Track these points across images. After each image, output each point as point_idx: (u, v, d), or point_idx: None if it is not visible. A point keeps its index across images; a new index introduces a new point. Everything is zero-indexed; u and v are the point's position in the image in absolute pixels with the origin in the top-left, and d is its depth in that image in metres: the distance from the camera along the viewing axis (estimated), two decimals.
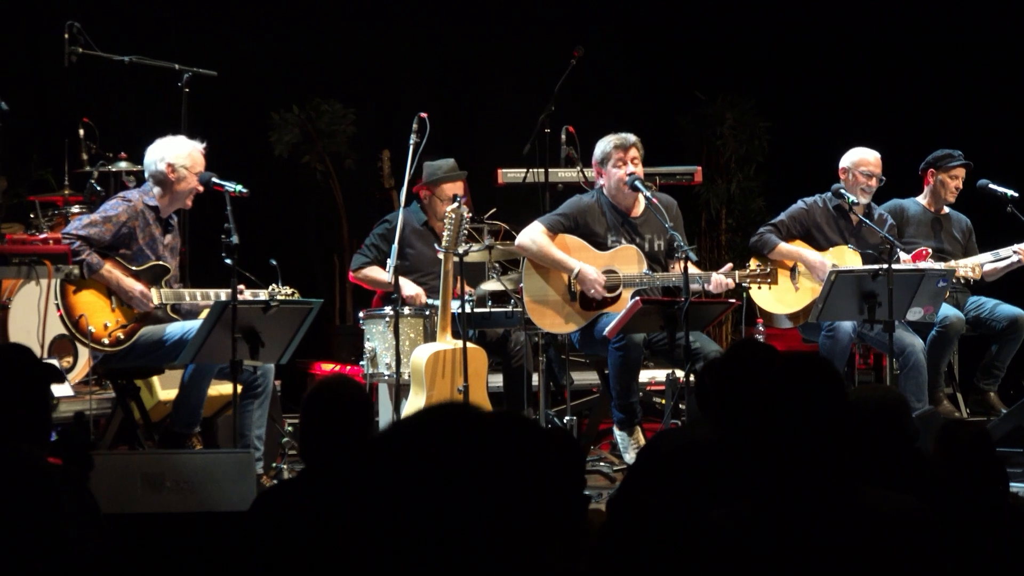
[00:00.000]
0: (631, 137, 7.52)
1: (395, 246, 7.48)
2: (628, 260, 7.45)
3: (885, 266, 7.15)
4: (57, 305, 6.66)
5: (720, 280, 7.27)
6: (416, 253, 7.93)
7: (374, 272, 7.92)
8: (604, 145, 7.55)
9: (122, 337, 6.78)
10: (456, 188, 7.91)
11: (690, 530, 3.07)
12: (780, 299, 7.95)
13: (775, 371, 3.16)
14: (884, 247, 7.48)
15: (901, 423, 4.03)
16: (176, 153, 6.97)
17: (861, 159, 8.07)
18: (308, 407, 4.01)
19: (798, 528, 2.97)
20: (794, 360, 3.17)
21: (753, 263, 7.64)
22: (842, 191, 7.87)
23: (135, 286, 6.79)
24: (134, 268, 6.85)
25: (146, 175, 7.06)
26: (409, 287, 7.74)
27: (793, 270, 7.93)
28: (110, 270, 6.77)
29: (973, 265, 8.01)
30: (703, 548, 3.00)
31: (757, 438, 3.88)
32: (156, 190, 6.99)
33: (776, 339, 8.91)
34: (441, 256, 7.24)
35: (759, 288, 7.61)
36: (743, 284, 7.42)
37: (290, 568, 3.70)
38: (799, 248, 8.00)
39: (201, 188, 6.99)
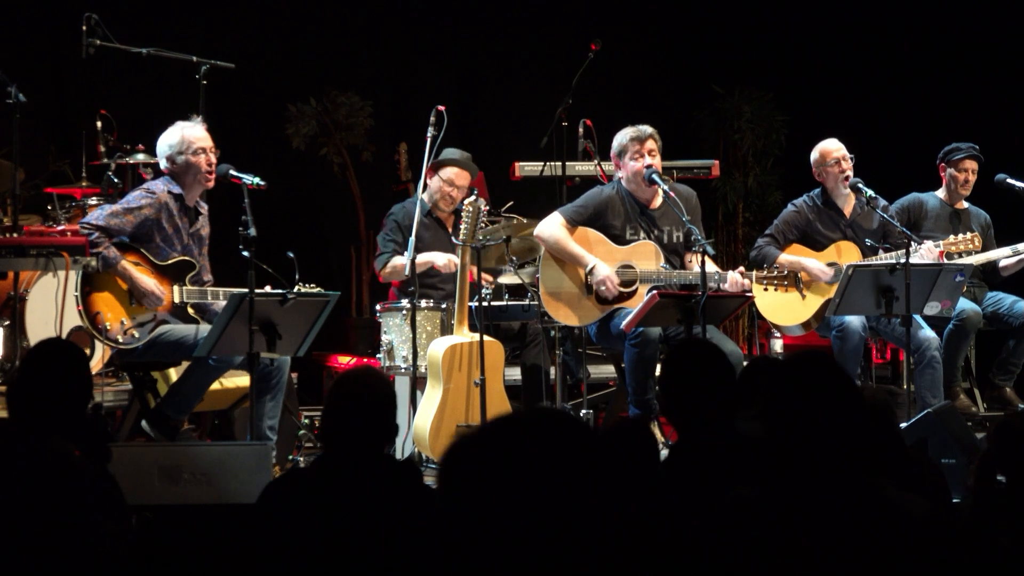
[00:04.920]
0: (647, 129, 7.48)
1: (412, 237, 7.46)
2: (646, 256, 7.43)
3: (903, 260, 7.13)
4: (77, 298, 6.61)
5: (737, 279, 7.23)
6: (425, 245, 7.88)
7: (402, 261, 7.80)
8: (621, 138, 7.51)
9: (136, 336, 6.71)
10: (460, 177, 7.85)
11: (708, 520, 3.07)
12: (788, 310, 7.89)
13: (779, 369, 3.16)
14: (902, 240, 7.44)
15: (889, 425, 4.03)
16: (168, 144, 6.90)
17: (823, 152, 8.02)
18: (333, 394, 4.02)
19: (809, 516, 2.96)
20: (796, 358, 3.17)
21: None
22: (860, 185, 7.81)
23: (149, 283, 6.71)
24: (159, 263, 6.81)
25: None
26: (439, 257, 7.71)
27: (796, 280, 7.85)
28: (126, 267, 6.69)
29: (972, 236, 7.93)
30: (714, 529, 3.00)
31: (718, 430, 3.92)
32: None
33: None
34: (459, 248, 7.22)
35: (771, 291, 7.57)
36: (762, 284, 7.36)
37: (302, 558, 3.70)
38: (798, 257, 7.94)
39: (214, 160, 6.89)
